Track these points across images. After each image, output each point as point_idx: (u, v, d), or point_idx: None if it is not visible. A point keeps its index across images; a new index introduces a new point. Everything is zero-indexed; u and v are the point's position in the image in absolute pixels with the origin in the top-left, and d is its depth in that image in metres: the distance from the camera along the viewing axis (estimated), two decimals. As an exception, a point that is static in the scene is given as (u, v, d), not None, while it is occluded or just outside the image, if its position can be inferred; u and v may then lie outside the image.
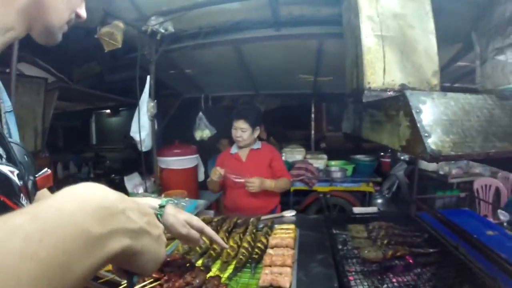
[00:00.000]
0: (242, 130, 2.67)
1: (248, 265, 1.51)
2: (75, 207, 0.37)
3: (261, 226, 1.95)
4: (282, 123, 7.77)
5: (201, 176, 4.31)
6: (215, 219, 2.00)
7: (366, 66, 1.39)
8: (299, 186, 4.44)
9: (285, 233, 1.74)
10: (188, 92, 4.95)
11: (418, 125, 0.97)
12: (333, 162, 4.88)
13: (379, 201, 4.53)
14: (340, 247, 1.75)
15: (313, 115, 5.35)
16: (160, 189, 3.61)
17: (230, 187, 2.72)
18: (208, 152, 4.77)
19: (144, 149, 3.17)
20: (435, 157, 0.95)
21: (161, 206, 1.02)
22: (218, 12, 2.58)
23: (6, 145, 0.54)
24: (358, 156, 4.91)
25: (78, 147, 8.36)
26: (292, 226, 1.88)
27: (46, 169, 0.68)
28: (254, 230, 1.84)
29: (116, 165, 8.34)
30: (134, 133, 3.07)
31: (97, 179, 6.36)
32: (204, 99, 4.76)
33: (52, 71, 3.55)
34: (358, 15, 1.44)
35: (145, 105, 2.97)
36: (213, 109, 5.04)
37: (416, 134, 0.99)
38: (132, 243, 0.44)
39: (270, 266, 1.42)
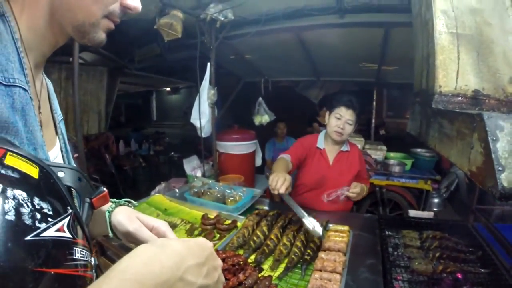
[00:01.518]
0: (348, 122, 2.28)
1: (299, 265, 1.52)
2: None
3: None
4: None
5: (258, 161, 4.36)
6: (271, 213, 1.98)
7: (439, 67, 1.22)
8: (356, 177, 4.35)
9: (338, 237, 1.70)
10: (249, 76, 4.96)
11: (493, 155, 0.84)
12: (392, 154, 4.68)
13: (436, 200, 4.27)
14: (390, 251, 1.69)
15: (374, 103, 5.13)
16: (218, 173, 3.74)
17: (305, 185, 2.43)
18: (265, 136, 4.80)
19: (204, 135, 3.28)
20: (506, 196, 0.82)
21: (108, 211, 0.86)
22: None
23: (56, 190, 0.49)
24: (419, 150, 4.65)
25: (139, 123, 8.86)
26: (346, 228, 1.83)
27: (102, 188, 0.66)
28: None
29: (176, 141, 8.78)
30: (194, 119, 3.17)
31: (156, 156, 6.74)
32: (264, 83, 4.73)
33: (113, 58, 3.73)
34: (431, 8, 1.28)
35: (205, 92, 3.04)
36: (273, 94, 5.04)
37: (488, 165, 0.87)
38: None
39: (320, 270, 1.41)
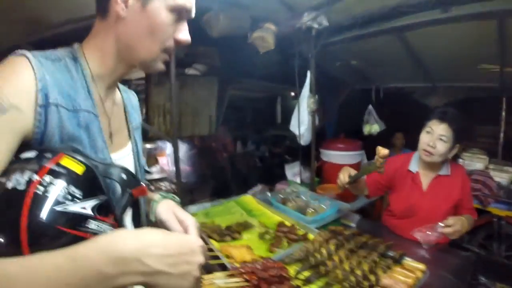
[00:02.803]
0: (441, 138, 1.93)
1: None
2: (98, 255, 0.54)
3: (391, 254, 1.66)
4: (469, 117, 6.60)
5: None
6: (346, 232, 1.84)
7: None
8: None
9: (403, 275, 1.45)
10: (358, 83, 4.73)
11: None
12: None
13: None
14: None
15: (504, 113, 4.26)
16: (316, 181, 3.69)
17: (394, 212, 2.13)
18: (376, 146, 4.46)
19: (303, 143, 3.29)
20: None
21: (155, 202, 1.07)
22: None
23: (94, 183, 0.69)
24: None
25: (262, 126, 9.27)
26: (421, 266, 1.54)
27: (140, 183, 0.84)
28: (377, 259, 1.60)
29: (296, 144, 8.91)
30: (293, 127, 3.20)
31: (271, 157, 6.98)
32: (375, 91, 4.42)
33: (223, 69, 4.08)
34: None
35: (305, 101, 3.03)
36: (386, 102, 4.69)
37: None
38: (145, 280, 0.58)
39: None
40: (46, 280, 0.52)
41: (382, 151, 1.73)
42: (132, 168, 1.00)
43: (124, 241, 0.58)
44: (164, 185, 3.94)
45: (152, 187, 4.06)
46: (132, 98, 1.12)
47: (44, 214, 0.59)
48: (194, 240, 0.69)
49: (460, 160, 4.25)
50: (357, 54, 3.52)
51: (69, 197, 0.62)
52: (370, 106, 4.28)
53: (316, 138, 3.27)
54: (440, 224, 1.79)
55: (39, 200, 0.59)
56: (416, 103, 5.18)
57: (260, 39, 2.40)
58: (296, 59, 2.83)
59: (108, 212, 0.69)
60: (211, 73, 4.01)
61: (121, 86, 1.07)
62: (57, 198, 0.61)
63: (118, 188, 0.76)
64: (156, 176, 5.05)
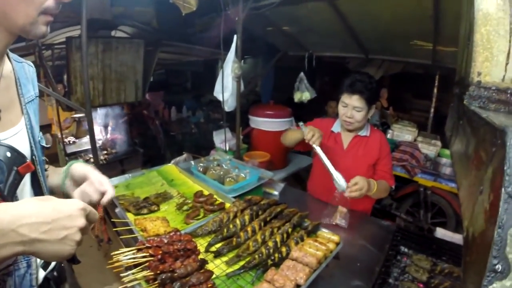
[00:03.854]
0: (356, 109, 2.06)
1: (256, 268, 1.37)
2: None
3: (306, 224, 1.68)
4: (406, 90, 6.93)
5: None
6: (262, 202, 1.82)
7: (479, 45, 0.79)
8: (400, 172, 3.92)
9: (314, 247, 1.43)
10: (292, 49, 4.65)
11: (499, 221, 0.41)
12: (447, 152, 4.05)
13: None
14: (389, 279, 1.41)
15: (435, 90, 4.51)
16: (246, 148, 3.69)
17: (320, 169, 2.16)
18: (308, 115, 4.54)
19: (227, 109, 3.22)
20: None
21: (66, 168, 1.15)
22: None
23: None
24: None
25: (201, 91, 9.07)
26: (335, 238, 1.55)
27: (26, 159, 0.88)
28: (290, 230, 1.61)
29: (232, 110, 8.88)
30: (217, 93, 3.11)
31: (206, 123, 6.89)
32: (308, 58, 4.41)
33: (151, 30, 3.86)
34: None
35: (230, 66, 2.94)
36: (320, 70, 4.73)
37: (487, 237, 0.44)
38: (25, 249, 0.61)
39: (269, 283, 1.24)
40: None
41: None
42: (26, 145, 0.96)
43: (1, 214, 0.60)
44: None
45: (82, 159, 3.85)
46: (26, 69, 1.04)
47: None
48: (72, 204, 0.70)
49: (390, 131, 4.48)
50: (289, 20, 3.43)
51: None
52: (302, 74, 4.23)
53: (251, 104, 3.22)
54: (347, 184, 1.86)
55: None
56: (351, 73, 5.30)
57: (182, -1, 2.25)
58: (222, 22, 2.69)
59: None
60: (139, 35, 3.74)
61: (15, 56, 1.00)
62: None
63: (4, 166, 0.78)
64: (86, 147, 4.77)
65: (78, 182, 1.12)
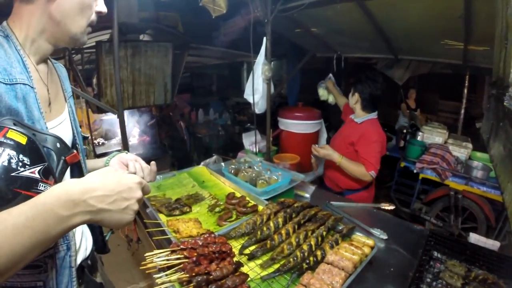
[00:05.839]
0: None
1: (291, 272, 1.35)
2: (53, 200, 0.66)
3: (340, 228, 1.67)
4: (434, 92, 6.72)
5: (322, 142, 4.08)
6: (296, 205, 1.81)
7: None
8: (430, 175, 3.81)
9: (350, 251, 1.41)
10: (320, 51, 4.55)
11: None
12: (478, 155, 3.95)
13: (518, 221, 3.49)
14: (422, 286, 1.34)
15: (466, 90, 4.33)
16: (276, 150, 3.67)
17: (316, 165, 2.96)
18: (334, 115, 4.45)
19: (257, 111, 3.21)
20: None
21: (108, 159, 1.29)
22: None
23: (37, 151, 0.79)
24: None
25: (227, 93, 9.13)
26: (370, 242, 1.52)
27: (73, 150, 0.98)
28: (324, 233, 1.59)
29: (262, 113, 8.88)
30: (247, 95, 3.10)
31: (233, 125, 6.91)
32: (336, 60, 4.34)
33: (179, 34, 3.93)
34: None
35: (260, 68, 2.93)
36: (348, 71, 4.63)
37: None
38: (92, 218, 0.70)
39: (305, 286, 1.22)
40: (13, 227, 0.61)
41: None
42: (70, 134, 1.08)
43: (72, 188, 0.69)
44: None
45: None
46: (61, 69, 1.18)
47: (3, 179, 0.70)
48: (131, 178, 0.79)
49: (420, 133, 4.35)
50: (317, 21, 3.37)
51: (20, 164, 0.73)
52: (330, 75, 4.19)
53: (277, 106, 3.20)
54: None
55: None
56: (379, 74, 5.19)
57: (211, 1, 2.24)
58: (251, 24, 2.68)
59: (49, 176, 0.81)
60: (167, 39, 3.79)
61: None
62: (11, 165, 0.71)
63: (54, 156, 0.88)
64: (114, 148, 4.89)
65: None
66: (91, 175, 0.75)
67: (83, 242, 1.11)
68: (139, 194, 0.79)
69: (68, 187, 0.69)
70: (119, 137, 5.17)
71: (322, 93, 3.69)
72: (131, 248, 2.84)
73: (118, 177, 0.77)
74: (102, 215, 0.72)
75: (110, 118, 5.25)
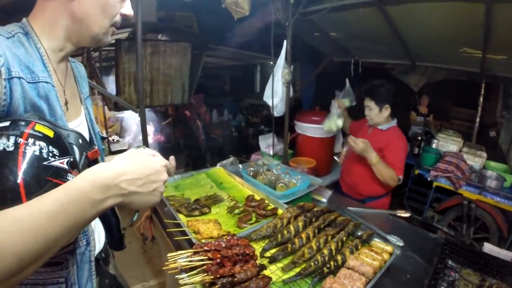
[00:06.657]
0: (369, 108, 2.67)
1: (313, 276, 1.36)
2: (87, 185, 0.68)
3: (360, 233, 1.70)
4: (447, 98, 6.65)
5: (338, 147, 4.03)
6: (315, 209, 1.82)
7: None
8: (444, 183, 3.77)
9: (370, 257, 1.43)
10: (337, 55, 4.54)
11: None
12: (492, 164, 3.88)
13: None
14: None
15: (481, 98, 4.28)
16: (292, 153, 3.67)
17: (346, 157, 2.74)
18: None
19: (276, 114, 3.22)
20: None
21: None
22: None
23: (64, 144, 0.82)
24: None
25: (241, 95, 9.14)
26: (389, 248, 1.55)
27: (94, 146, 1.02)
28: (344, 238, 1.60)
29: (279, 116, 8.85)
30: (267, 98, 3.11)
31: (246, 127, 6.93)
32: (353, 64, 4.32)
33: (198, 34, 3.96)
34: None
35: (280, 71, 2.94)
36: (364, 76, 4.60)
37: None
38: (123, 200, 0.74)
39: None
40: (47, 213, 0.63)
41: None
42: (87, 135, 1.08)
43: (104, 173, 0.72)
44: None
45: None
46: (80, 69, 1.20)
47: (36, 167, 0.72)
48: (158, 161, 0.83)
49: (435, 141, 4.31)
50: (337, 26, 3.37)
51: (51, 154, 0.76)
52: (347, 80, 4.16)
53: (293, 109, 3.20)
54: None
55: (30, 158, 0.72)
56: (395, 79, 5.16)
57: (234, 4, 2.26)
58: (272, 27, 2.69)
59: (75, 168, 0.83)
60: (185, 39, 3.82)
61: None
62: (42, 154, 0.74)
63: (77, 151, 0.89)
64: (131, 145, 4.94)
65: None
66: (119, 159, 0.78)
67: (96, 235, 1.13)
68: (165, 176, 0.84)
69: (101, 172, 0.72)
70: (133, 134, 5.24)
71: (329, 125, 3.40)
72: (145, 246, 2.86)
73: (146, 161, 0.81)
74: (132, 197, 0.76)
75: (125, 116, 5.31)
